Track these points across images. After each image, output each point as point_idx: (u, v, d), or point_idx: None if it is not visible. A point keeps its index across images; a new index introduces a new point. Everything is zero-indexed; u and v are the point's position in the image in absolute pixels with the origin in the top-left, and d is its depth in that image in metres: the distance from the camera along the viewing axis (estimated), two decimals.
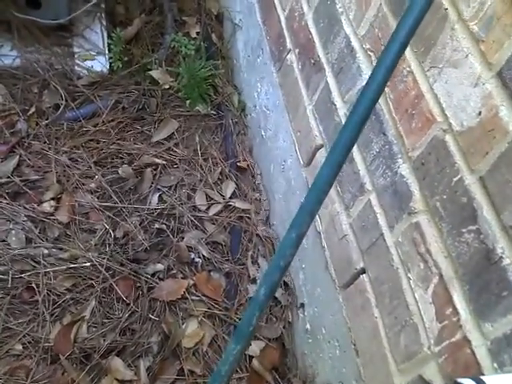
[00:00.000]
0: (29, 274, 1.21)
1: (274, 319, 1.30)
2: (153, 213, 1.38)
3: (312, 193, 0.59)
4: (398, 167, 0.88)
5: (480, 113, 0.69)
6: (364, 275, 0.99)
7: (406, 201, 0.86)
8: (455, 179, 0.74)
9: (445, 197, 0.77)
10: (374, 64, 0.94)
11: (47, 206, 1.31)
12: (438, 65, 0.77)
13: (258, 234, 1.42)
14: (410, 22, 0.52)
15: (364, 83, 0.96)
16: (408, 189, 0.85)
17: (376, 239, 0.94)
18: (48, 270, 1.22)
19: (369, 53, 0.95)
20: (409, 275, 0.85)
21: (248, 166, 1.54)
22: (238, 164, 1.53)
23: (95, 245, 1.29)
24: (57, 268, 1.23)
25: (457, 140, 0.74)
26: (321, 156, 1.16)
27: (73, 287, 1.22)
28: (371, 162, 0.95)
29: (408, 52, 0.84)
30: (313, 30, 1.16)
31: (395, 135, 0.88)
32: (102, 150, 1.44)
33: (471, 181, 0.72)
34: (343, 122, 1.05)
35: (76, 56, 1.57)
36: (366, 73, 0.97)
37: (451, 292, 0.76)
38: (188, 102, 1.58)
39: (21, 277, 1.20)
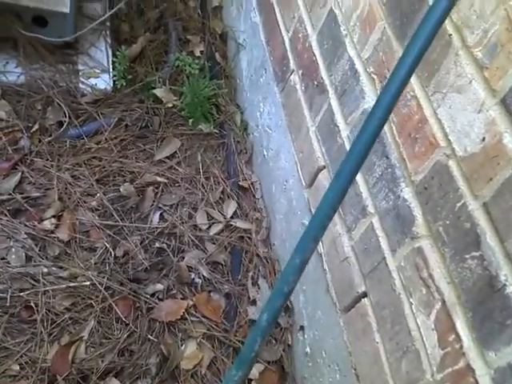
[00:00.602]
0: (28, 292, 1.19)
1: (274, 341, 1.28)
2: (154, 232, 1.37)
3: (316, 218, 0.58)
4: (401, 191, 0.87)
5: (484, 139, 0.69)
6: (365, 299, 0.98)
7: (408, 225, 0.85)
8: (458, 204, 0.74)
9: (448, 222, 0.76)
10: (378, 87, 0.95)
11: (48, 224, 1.31)
12: (442, 90, 0.77)
13: (258, 255, 1.41)
14: (417, 49, 0.52)
15: (367, 106, 0.97)
16: (411, 213, 0.85)
17: (378, 263, 0.93)
18: (47, 288, 1.21)
19: (372, 76, 0.96)
20: (411, 300, 0.84)
21: (249, 185, 1.53)
22: (240, 183, 1.53)
23: (95, 263, 1.28)
24: (56, 287, 1.22)
25: (460, 165, 0.74)
26: (323, 177, 1.15)
27: (72, 306, 1.21)
28: (374, 185, 0.95)
29: (412, 76, 0.84)
30: (317, 52, 1.16)
31: (398, 159, 0.88)
32: (104, 167, 1.44)
33: (475, 206, 0.71)
34: (346, 143, 1.05)
35: (80, 73, 1.58)
36: (370, 95, 0.97)
37: (454, 318, 0.75)
38: (191, 120, 1.58)
39: (19, 295, 1.19)
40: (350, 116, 1.03)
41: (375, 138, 0.59)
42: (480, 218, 0.70)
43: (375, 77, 0.95)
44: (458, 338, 0.73)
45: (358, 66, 1.01)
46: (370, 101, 0.97)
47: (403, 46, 0.87)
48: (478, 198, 0.70)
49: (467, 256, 0.72)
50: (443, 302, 0.77)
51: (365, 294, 0.98)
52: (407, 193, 0.86)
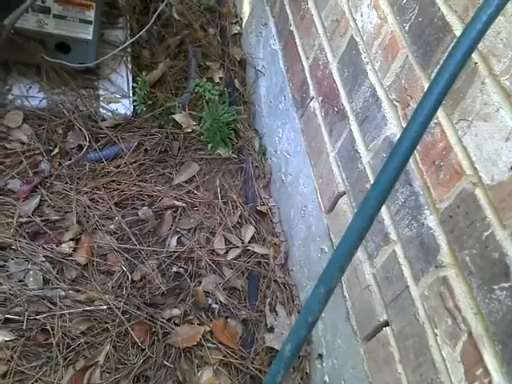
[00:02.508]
0: (44, 315, 1.19)
1: (291, 370, 1.26)
2: (171, 256, 1.37)
3: (342, 246, 0.57)
4: (425, 219, 0.86)
5: None
6: (387, 328, 0.96)
7: (432, 253, 0.84)
8: (486, 234, 0.72)
9: (474, 251, 0.75)
10: (400, 114, 0.94)
11: (66, 247, 1.31)
12: (468, 118, 0.76)
13: (276, 280, 1.39)
14: (446, 78, 0.51)
15: (389, 133, 0.97)
16: (435, 241, 0.83)
17: (401, 292, 0.91)
18: (64, 312, 1.20)
19: (394, 103, 0.96)
20: (436, 331, 0.82)
21: (267, 210, 1.53)
22: (258, 208, 1.52)
23: (112, 287, 1.27)
24: (73, 310, 1.21)
25: (487, 194, 0.73)
26: (343, 203, 1.15)
27: (88, 330, 1.20)
28: (396, 212, 0.94)
29: None
30: (337, 79, 1.17)
31: (422, 186, 0.87)
32: (122, 191, 1.45)
33: (503, 236, 0.70)
34: (367, 170, 1.05)
35: (101, 98, 1.60)
36: (392, 122, 0.97)
37: (482, 351, 0.73)
38: (210, 145, 1.59)
39: (36, 318, 1.18)
40: (371, 143, 1.03)
41: (403, 166, 0.59)
42: (509, 248, 0.68)
43: (397, 104, 0.95)
44: (487, 372, 0.70)
45: (380, 93, 1.00)
46: (392, 127, 0.97)
47: (426, 74, 0.87)
48: (507, 227, 0.69)
49: (495, 287, 0.70)
50: (470, 333, 0.75)
51: (387, 323, 0.96)
52: (431, 221, 0.84)
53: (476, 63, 0.75)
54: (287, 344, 0.59)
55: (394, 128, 0.96)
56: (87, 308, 1.23)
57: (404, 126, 0.93)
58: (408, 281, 0.90)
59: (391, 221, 0.95)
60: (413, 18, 0.91)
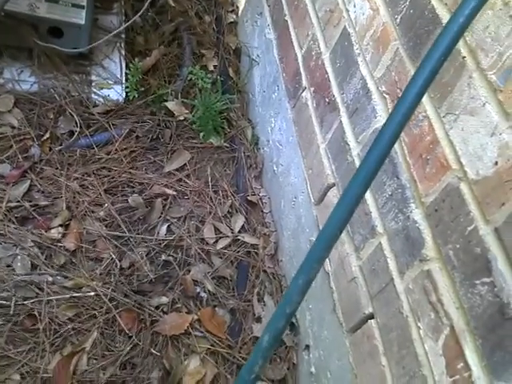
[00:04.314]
0: (32, 301, 1.19)
1: (279, 360, 1.26)
2: (160, 244, 1.37)
3: (322, 238, 0.57)
4: (411, 212, 0.86)
5: (496, 163, 0.68)
6: (372, 321, 0.96)
7: (417, 247, 0.84)
8: (469, 228, 0.72)
9: (458, 246, 0.75)
10: (390, 106, 0.94)
11: (55, 233, 1.30)
12: (455, 111, 0.76)
13: (265, 271, 1.40)
14: (430, 69, 0.51)
15: (378, 125, 0.96)
16: (420, 235, 0.83)
17: (386, 284, 0.92)
18: (51, 297, 1.20)
19: (384, 95, 0.95)
20: (419, 324, 0.83)
21: (258, 200, 1.53)
22: (249, 198, 1.52)
23: (100, 274, 1.27)
24: (60, 296, 1.21)
25: (472, 189, 0.73)
26: (332, 195, 1.14)
27: (75, 317, 1.20)
28: (383, 205, 0.94)
29: (424, 97, 0.83)
30: (329, 70, 1.16)
31: (408, 179, 0.87)
32: (113, 178, 1.44)
33: (486, 231, 0.70)
34: (356, 162, 1.05)
35: (93, 84, 1.59)
36: (381, 115, 0.96)
37: (463, 345, 0.73)
38: (202, 134, 1.58)
39: (23, 304, 1.18)
40: (360, 135, 1.03)
41: (383, 159, 0.59)
42: (491, 244, 0.68)
43: (387, 96, 0.95)
44: (467, 366, 0.71)
45: (371, 85, 1.00)
46: (381, 120, 0.96)
47: (416, 67, 0.86)
48: (490, 222, 0.69)
49: (477, 282, 0.70)
50: (452, 327, 0.75)
51: (372, 316, 0.96)
52: (417, 214, 0.84)
53: (464, 57, 0.74)
54: (265, 334, 0.59)
55: (383, 120, 0.96)
56: (75, 294, 1.23)
57: None
58: (393, 274, 0.90)
59: (378, 213, 0.95)
60: (404, 9, 0.90)
